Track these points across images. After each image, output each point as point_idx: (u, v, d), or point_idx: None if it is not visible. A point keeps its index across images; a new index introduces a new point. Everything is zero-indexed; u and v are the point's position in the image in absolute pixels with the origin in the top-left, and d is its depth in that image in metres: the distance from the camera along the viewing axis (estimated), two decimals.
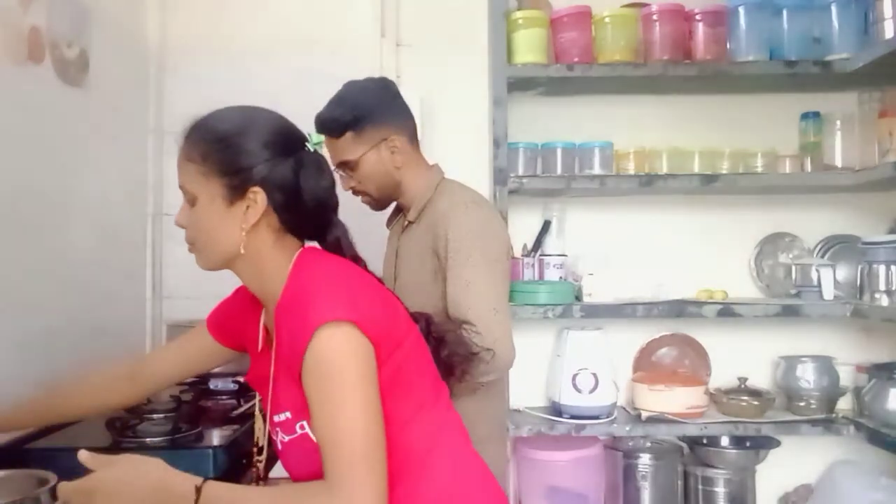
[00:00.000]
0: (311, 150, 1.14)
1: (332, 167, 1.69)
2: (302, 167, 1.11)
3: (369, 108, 1.66)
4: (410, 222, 1.72)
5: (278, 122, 1.14)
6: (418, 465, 1.08)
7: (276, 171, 1.08)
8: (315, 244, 1.19)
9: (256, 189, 1.07)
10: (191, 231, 1.13)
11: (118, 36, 2.18)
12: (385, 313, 1.07)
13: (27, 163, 1.69)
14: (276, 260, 1.12)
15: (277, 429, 1.10)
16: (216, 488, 0.98)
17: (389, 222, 1.87)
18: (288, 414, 1.08)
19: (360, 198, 1.74)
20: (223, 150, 1.09)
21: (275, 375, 1.12)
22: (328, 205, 1.16)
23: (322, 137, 1.19)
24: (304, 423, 1.04)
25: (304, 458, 1.05)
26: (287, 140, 1.12)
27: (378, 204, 1.75)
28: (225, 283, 2.40)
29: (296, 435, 1.06)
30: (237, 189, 1.08)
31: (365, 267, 1.18)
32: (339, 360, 0.97)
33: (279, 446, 1.13)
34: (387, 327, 1.05)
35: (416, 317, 1.23)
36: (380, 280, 1.19)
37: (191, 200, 1.11)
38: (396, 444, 1.02)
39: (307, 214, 1.13)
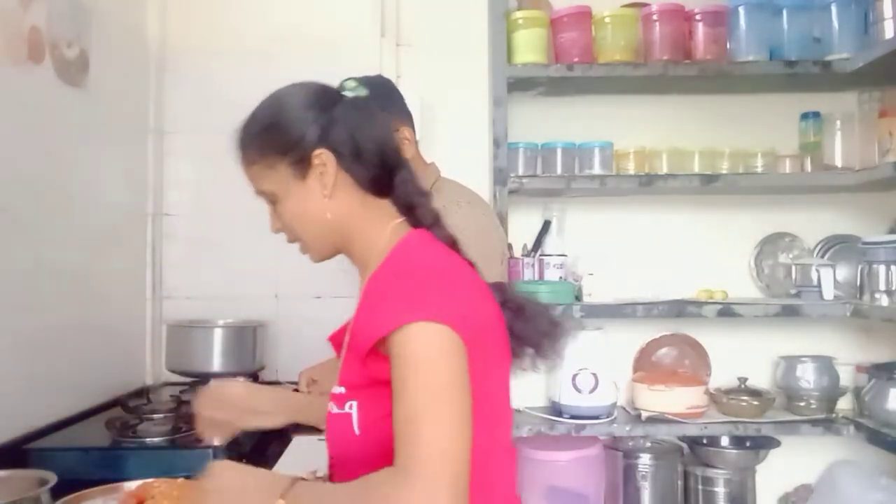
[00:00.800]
0: (351, 96, 1.11)
1: None
2: (348, 115, 1.09)
3: (381, 98, 1.60)
4: None
5: (309, 86, 1.13)
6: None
7: (328, 127, 1.07)
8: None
9: (318, 151, 1.06)
10: (288, 230, 1.13)
11: (118, 36, 2.18)
12: (480, 311, 1.02)
13: (27, 163, 1.69)
14: (370, 222, 1.10)
15: (332, 401, 1.05)
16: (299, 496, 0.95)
17: None
18: (343, 389, 1.04)
19: None
20: (272, 134, 1.09)
21: (347, 346, 1.09)
22: (388, 146, 1.13)
23: (357, 85, 1.12)
24: (354, 403, 1.01)
25: (341, 437, 1.03)
26: (324, 96, 1.11)
27: None
28: (225, 284, 2.42)
29: (342, 412, 1.02)
30: (302, 161, 1.07)
31: (454, 245, 1.15)
32: (431, 359, 0.92)
33: (327, 416, 1.07)
34: (479, 327, 1.00)
35: (491, 287, 1.14)
36: (472, 264, 1.13)
37: (272, 199, 1.11)
38: None
39: (373, 162, 1.09)
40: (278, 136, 1.09)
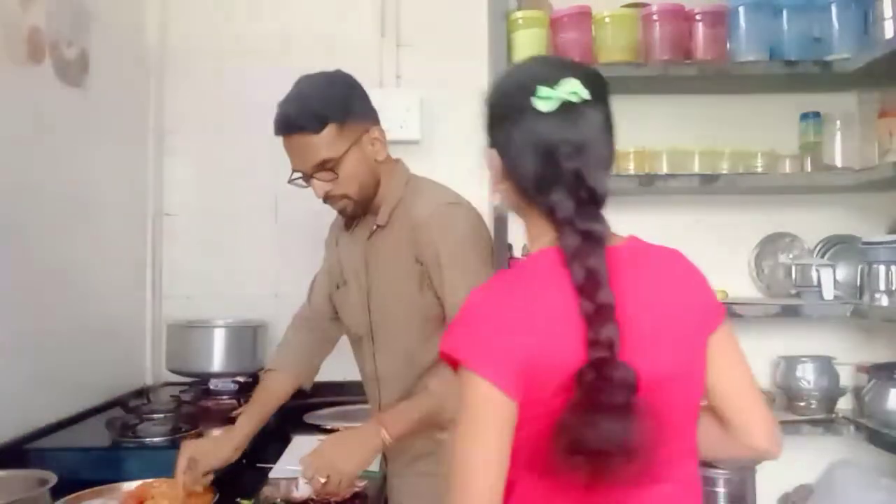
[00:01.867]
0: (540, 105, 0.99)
1: (295, 175, 1.52)
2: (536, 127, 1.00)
3: (346, 95, 1.51)
4: (380, 226, 1.57)
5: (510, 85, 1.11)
6: None
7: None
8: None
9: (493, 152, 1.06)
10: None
11: (118, 36, 2.18)
12: (543, 359, 0.91)
13: (27, 163, 1.69)
14: (535, 226, 1.03)
15: None
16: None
17: (348, 226, 1.67)
18: None
19: (331, 205, 1.57)
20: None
21: None
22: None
23: (554, 92, 0.97)
24: None
25: None
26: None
27: (357, 207, 1.56)
28: (225, 284, 2.41)
29: None
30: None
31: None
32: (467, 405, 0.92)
33: None
34: (538, 381, 0.90)
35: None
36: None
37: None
38: None
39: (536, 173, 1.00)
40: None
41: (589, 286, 0.91)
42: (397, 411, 1.50)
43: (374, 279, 1.60)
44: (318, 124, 1.45)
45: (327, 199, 1.54)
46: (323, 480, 1.36)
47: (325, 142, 1.46)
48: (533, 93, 0.97)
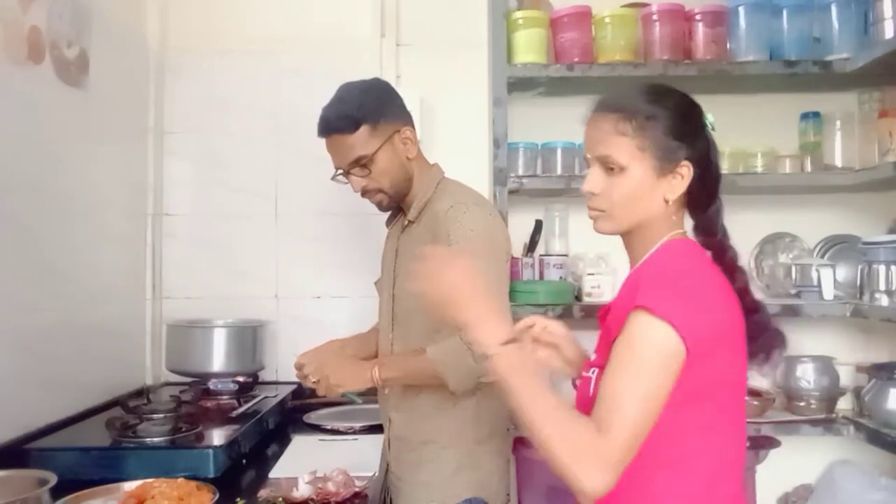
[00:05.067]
0: (711, 129, 1.22)
1: (337, 171, 1.69)
2: (711, 143, 1.21)
3: (380, 100, 1.67)
4: (410, 222, 1.72)
5: (690, 100, 1.22)
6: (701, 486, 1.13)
7: (699, 146, 1.19)
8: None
9: (686, 163, 1.17)
10: (606, 198, 1.19)
11: (118, 36, 2.18)
12: (715, 324, 1.10)
13: (27, 163, 1.69)
14: (662, 231, 1.20)
15: (584, 368, 1.23)
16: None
17: (389, 222, 1.86)
18: (593, 356, 1.22)
19: (369, 199, 1.72)
20: (658, 127, 1.16)
21: (606, 321, 1.22)
22: (720, 180, 1.25)
23: (711, 117, 1.23)
24: (595, 370, 1.16)
25: (582, 396, 1.19)
26: (700, 119, 1.22)
27: (391, 201, 1.72)
28: (225, 284, 2.41)
29: (586, 375, 1.19)
30: (670, 162, 1.17)
31: (724, 253, 1.27)
32: (646, 347, 1.05)
33: (578, 381, 1.26)
34: (712, 339, 1.08)
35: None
36: (737, 270, 1.26)
37: (618, 170, 1.17)
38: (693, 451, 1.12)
39: (710, 189, 1.22)
40: (662, 131, 1.19)
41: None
42: (394, 358, 1.70)
43: (399, 270, 1.73)
44: (352, 126, 1.62)
45: (364, 193, 1.69)
46: (313, 381, 1.61)
47: (360, 141, 1.63)
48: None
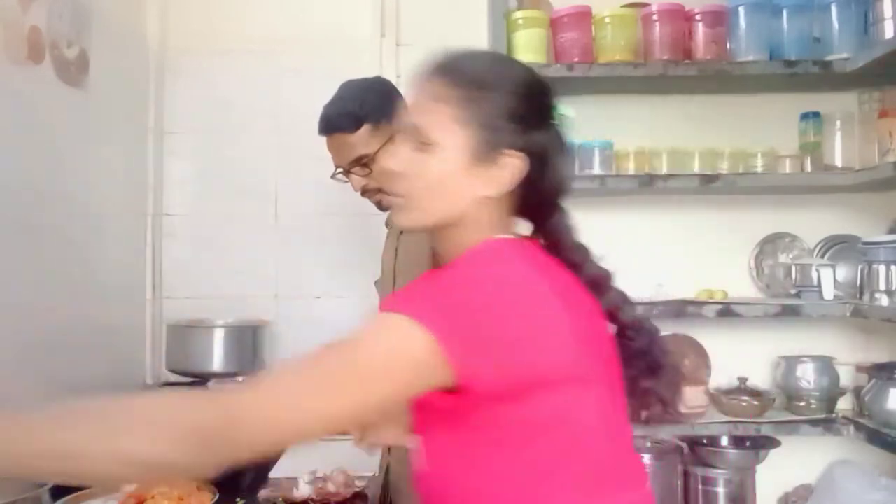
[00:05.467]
0: (561, 123, 1.02)
1: (337, 170, 1.68)
2: (557, 139, 0.99)
3: (382, 99, 1.65)
4: None
5: (547, 86, 1.02)
6: None
7: (538, 138, 0.96)
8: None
9: (515, 153, 0.94)
10: (408, 181, 0.96)
11: (118, 36, 2.18)
12: (533, 342, 0.86)
13: (27, 163, 1.69)
14: (478, 235, 0.95)
15: None
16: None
17: (389, 221, 1.86)
18: None
19: (369, 198, 1.70)
20: (490, 101, 0.94)
21: None
22: (566, 185, 1.01)
23: (569, 111, 1.07)
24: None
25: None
26: (548, 107, 1.00)
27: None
28: (225, 284, 2.41)
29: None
30: (493, 147, 0.93)
31: (580, 271, 1.00)
32: (380, 343, 0.84)
33: None
34: (514, 358, 0.85)
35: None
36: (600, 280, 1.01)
37: (425, 146, 0.94)
38: None
39: (547, 195, 0.99)
40: (492, 107, 0.98)
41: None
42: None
43: (400, 269, 1.71)
44: (354, 124, 1.60)
45: (364, 193, 1.68)
46: None
47: (361, 140, 1.61)
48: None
